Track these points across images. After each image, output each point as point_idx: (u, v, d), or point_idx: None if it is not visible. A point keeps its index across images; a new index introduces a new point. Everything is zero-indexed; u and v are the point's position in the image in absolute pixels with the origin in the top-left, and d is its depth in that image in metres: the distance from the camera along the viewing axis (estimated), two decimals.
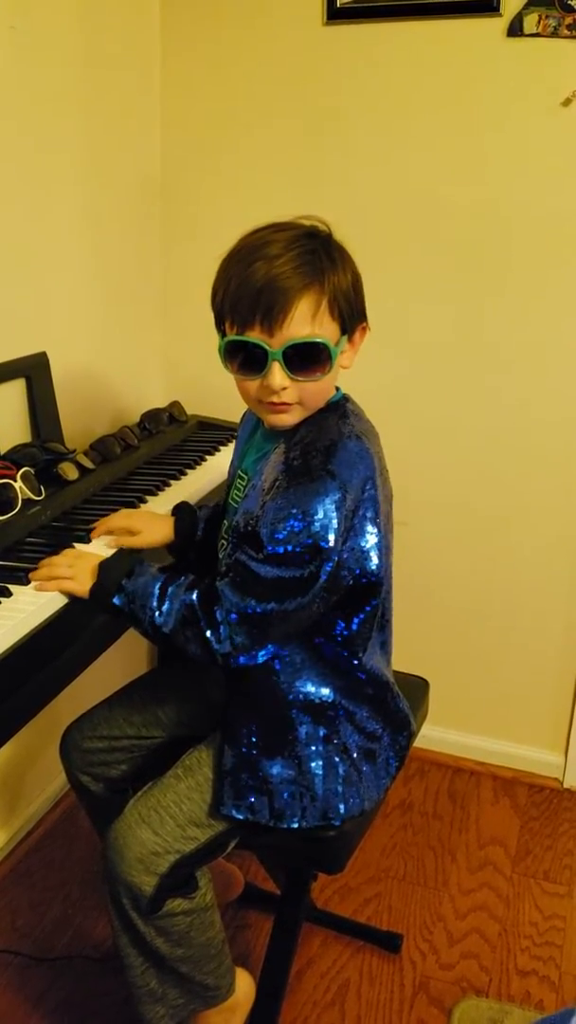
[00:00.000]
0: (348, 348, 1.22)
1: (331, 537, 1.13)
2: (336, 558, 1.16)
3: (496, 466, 2.11)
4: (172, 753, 1.39)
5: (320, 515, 1.12)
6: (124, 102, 2.03)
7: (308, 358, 1.16)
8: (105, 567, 1.24)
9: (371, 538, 1.21)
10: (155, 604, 1.19)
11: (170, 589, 1.20)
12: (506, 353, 2.03)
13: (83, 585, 1.24)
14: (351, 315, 1.20)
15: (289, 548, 1.13)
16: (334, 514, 1.13)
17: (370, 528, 1.20)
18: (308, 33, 1.99)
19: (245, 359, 1.18)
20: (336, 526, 1.13)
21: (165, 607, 1.19)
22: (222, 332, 1.21)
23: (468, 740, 2.31)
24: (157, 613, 1.19)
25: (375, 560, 1.22)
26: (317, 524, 1.12)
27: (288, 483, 1.15)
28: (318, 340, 1.16)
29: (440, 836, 2.08)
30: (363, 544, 1.20)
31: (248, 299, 1.14)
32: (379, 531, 1.21)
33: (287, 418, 1.21)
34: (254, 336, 1.15)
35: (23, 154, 1.72)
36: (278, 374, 1.16)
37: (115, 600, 1.22)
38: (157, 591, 1.20)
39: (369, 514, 1.20)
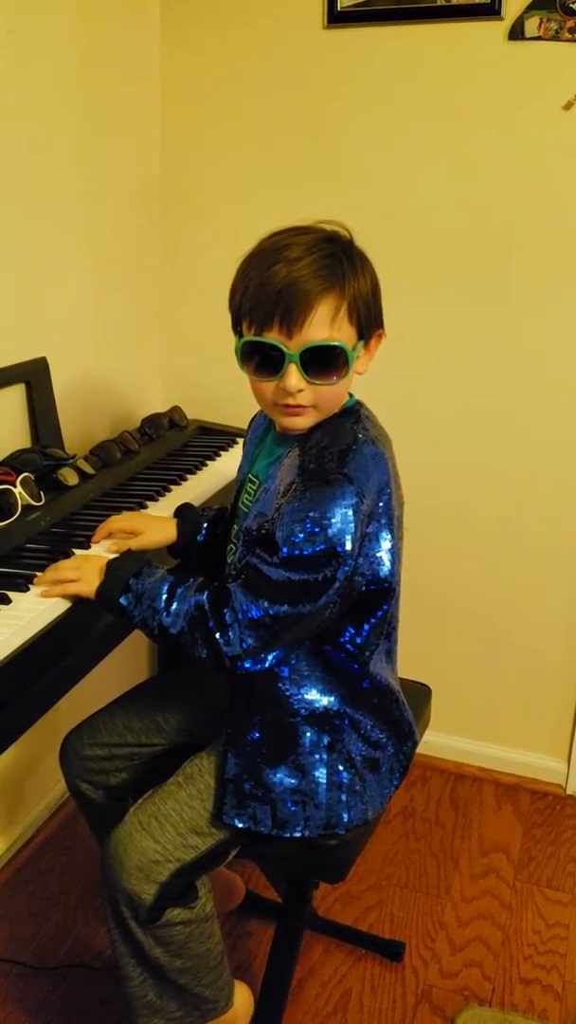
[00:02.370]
0: (364, 354, 1.22)
1: (348, 541, 1.13)
2: (352, 563, 1.15)
3: (498, 473, 2.10)
4: (173, 760, 1.38)
5: (337, 519, 1.12)
6: (123, 107, 2.02)
7: (325, 361, 1.16)
8: (113, 566, 1.23)
9: (385, 544, 1.20)
10: (163, 605, 1.18)
11: (179, 590, 1.19)
12: (508, 360, 2.02)
13: (90, 585, 1.23)
14: (369, 321, 1.20)
15: (305, 551, 1.12)
16: (351, 518, 1.12)
17: (385, 534, 1.20)
18: (308, 37, 1.98)
19: (262, 360, 1.17)
20: (353, 530, 1.13)
21: (174, 607, 1.18)
22: (239, 333, 1.21)
23: (470, 746, 2.30)
24: (165, 614, 1.18)
25: (388, 566, 1.21)
26: (334, 528, 1.12)
27: (304, 486, 1.14)
28: (336, 344, 1.16)
29: (442, 843, 2.07)
30: (377, 550, 1.20)
31: (268, 300, 1.14)
32: (393, 537, 1.21)
33: (301, 421, 1.20)
34: (272, 337, 1.15)
35: (22, 159, 1.71)
36: (294, 376, 1.15)
37: (122, 600, 1.21)
38: (165, 592, 1.19)
39: (384, 520, 1.19)
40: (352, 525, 1.13)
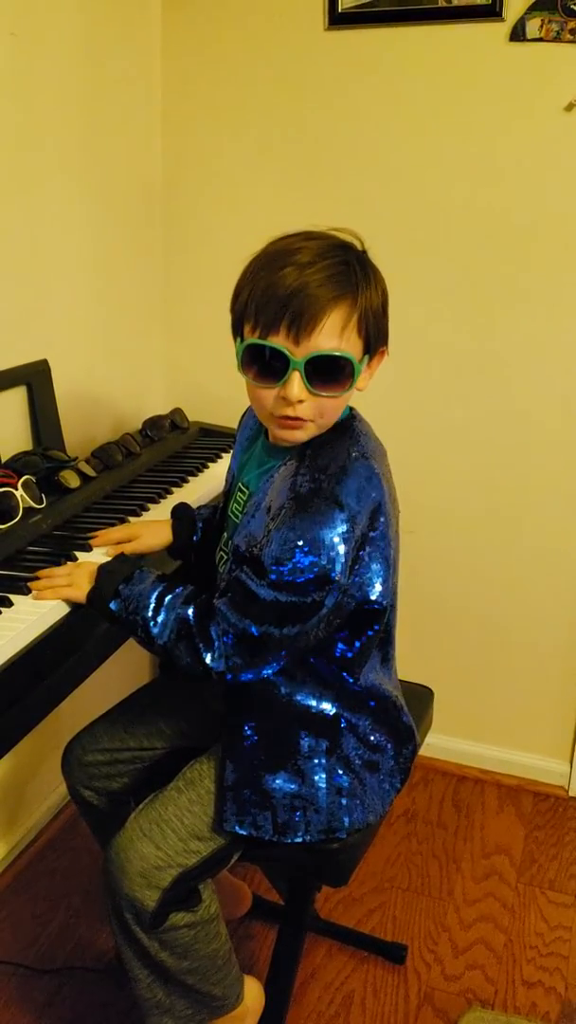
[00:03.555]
0: (365, 371, 1.18)
1: (338, 569, 1.11)
2: (341, 589, 1.13)
3: (501, 476, 2.09)
4: (174, 764, 1.38)
5: (327, 547, 1.10)
6: (125, 109, 2.02)
7: (330, 372, 1.12)
8: (104, 572, 1.23)
9: (377, 567, 1.18)
10: (150, 614, 1.17)
11: (167, 599, 1.18)
12: (511, 363, 2.02)
13: (81, 590, 1.23)
14: (376, 336, 1.17)
15: (297, 579, 1.10)
16: (342, 546, 1.10)
17: (377, 557, 1.18)
18: (310, 38, 1.98)
19: (263, 366, 1.13)
20: (344, 559, 1.11)
21: (161, 617, 1.17)
22: (240, 336, 1.17)
23: (472, 748, 2.30)
24: (152, 623, 1.17)
25: (379, 588, 1.20)
26: (324, 557, 1.10)
27: (295, 511, 1.11)
28: (344, 355, 1.12)
29: (444, 845, 2.07)
30: (368, 573, 1.18)
31: (276, 303, 1.09)
32: (385, 562, 1.19)
33: (298, 435, 1.17)
34: (278, 342, 1.10)
35: (24, 160, 1.71)
36: (297, 385, 1.11)
37: (112, 605, 1.20)
38: (153, 600, 1.18)
39: (379, 543, 1.17)
40: (343, 554, 1.10)
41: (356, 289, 1.12)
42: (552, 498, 2.07)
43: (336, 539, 1.10)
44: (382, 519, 1.17)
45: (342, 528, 1.10)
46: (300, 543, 1.09)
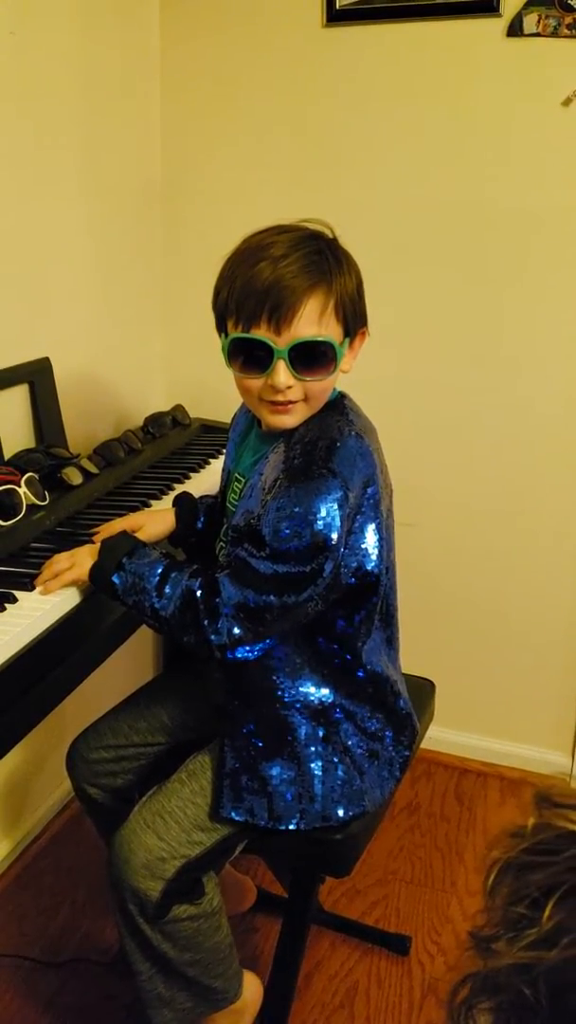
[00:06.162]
0: (348, 353, 1.22)
1: (334, 536, 1.13)
2: (339, 556, 1.16)
3: (503, 468, 2.10)
4: (177, 761, 1.39)
5: (323, 514, 1.12)
6: (124, 107, 2.03)
7: (313, 357, 1.16)
8: (106, 546, 1.24)
9: (371, 537, 1.21)
10: (155, 585, 1.18)
11: (172, 574, 1.19)
12: (511, 353, 2.03)
13: (83, 568, 1.24)
14: (354, 319, 1.21)
15: (292, 546, 1.13)
16: (337, 512, 1.13)
17: (371, 527, 1.21)
18: (307, 35, 1.99)
19: (249, 357, 1.17)
20: (339, 525, 1.13)
21: (166, 591, 1.18)
22: (224, 332, 1.21)
23: (475, 741, 2.31)
24: (156, 595, 1.18)
25: (374, 559, 1.22)
26: (320, 523, 1.12)
27: (290, 482, 1.15)
28: (324, 339, 1.16)
29: (447, 837, 2.08)
30: (363, 543, 1.21)
31: (255, 297, 1.14)
32: (379, 531, 1.22)
33: (289, 420, 1.20)
34: (260, 334, 1.15)
35: (24, 159, 1.72)
36: (283, 373, 1.15)
37: (114, 578, 1.20)
38: (159, 573, 1.19)
39: (371, 513, 1.20)
40: (338, 520, 1.13)
41: (330, 276, 1.16)
42: (554, 490, 2.08)
43: (332, 506, 1.13)
44: (373, 489, 1.20)
45: (337, 494, 1.13)
46: (296, 510, 1.13)
